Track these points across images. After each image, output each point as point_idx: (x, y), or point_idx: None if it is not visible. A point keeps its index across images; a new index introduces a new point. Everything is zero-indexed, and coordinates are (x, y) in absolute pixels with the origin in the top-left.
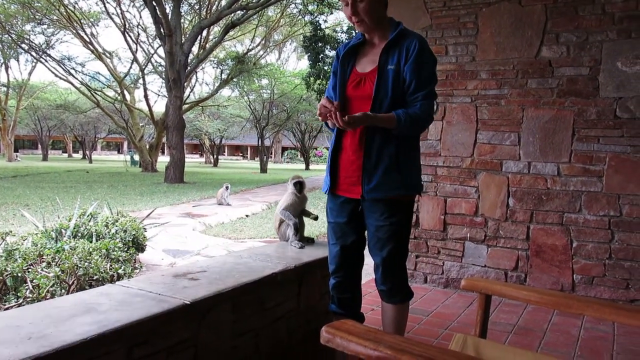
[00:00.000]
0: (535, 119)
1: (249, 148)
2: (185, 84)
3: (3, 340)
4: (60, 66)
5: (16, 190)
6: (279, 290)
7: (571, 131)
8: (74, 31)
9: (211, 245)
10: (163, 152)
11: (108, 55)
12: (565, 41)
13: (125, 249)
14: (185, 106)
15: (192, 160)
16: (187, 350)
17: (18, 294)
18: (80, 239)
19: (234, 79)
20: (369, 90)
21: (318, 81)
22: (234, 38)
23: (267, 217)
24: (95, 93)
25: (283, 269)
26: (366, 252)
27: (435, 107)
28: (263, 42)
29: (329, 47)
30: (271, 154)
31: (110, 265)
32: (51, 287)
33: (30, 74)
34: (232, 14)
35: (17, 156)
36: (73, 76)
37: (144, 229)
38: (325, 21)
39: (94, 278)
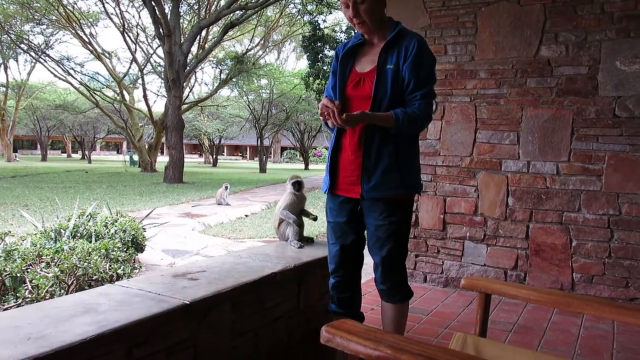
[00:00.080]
0: (535, 118)
1: (248, 148)
2: (185, 84)
3: (2, 340)
4: (60, 66)
5: (15, 190)
6: (278, 290)
7: (570, 130)
8: (73, 31)
9: (210, 245)
10: (162, 152)
11: (107, 55)
12: (564, 40)
13: (125, 249)
14: (185, 106)
15: (192, 160)
16: (187, 350)
17: (17, 294)
18: (79, 239)
19: (233, 79)
20: (368, 90)
21: (317, 81)
22: (233, 38)
23: (266, 217)
24: (95, 93)
25: (282, 269)
26: (366, 251)
27: (434, 106)
28: (262, 42)
29: (328, 47)
30: (270, 153)
31: (110, 266)
32: (50, 287)
33: (29, 74)
34: (231, 14)
35: (16, 156)
36: (72, 76)
37: (143, 229)
38: (324, 21)
39: (93, 278)
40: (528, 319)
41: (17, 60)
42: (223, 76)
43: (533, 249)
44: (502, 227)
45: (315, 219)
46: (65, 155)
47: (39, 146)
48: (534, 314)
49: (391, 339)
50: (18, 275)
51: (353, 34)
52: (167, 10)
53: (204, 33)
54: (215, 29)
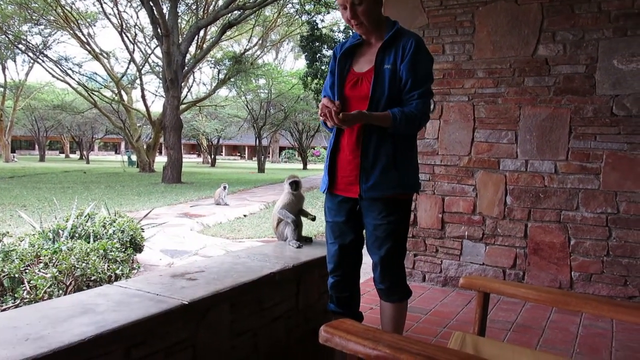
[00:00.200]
0: (532, 117)
1: (246, 148)
2: (183, 84)
3: (0, 341)
4: (58, 67)
5: (13, 190)
6: (277, 290)
7: (568, 129)
8: (71, 32)
9: (209, 245)
10: (160, 153)
11: (105, 55)
12: (562, 39)
13: (123, 250)
14: (183, 106)
15: (190, 161)
16: (186, 350)
17: (15, 295)
18: (77, 239)
19: (231, 79)
20: (366, 90)
21: (315, 81)
22: (231, 38)
23: (265, 216)
24: (93, 93)
25: (281, 269)
26: (364, 251)
27: (432, 105)
28: (260, 42)
29: (326, 46)
30: (269, 153)
31: (108, 266)
32: (48, 288)
33: (27, 74)
34: (229, 14)
35: (14, 157)
36: (70, 77)
37: (142, 229)
38: (322, 21)
39: (92, 279)
40: (527, 318)
41: (15, 61)
42: (221, 76)
43: (531, 247)
44: (501, 226)
45: (313, 219)
46: (63, 155)
47: (37, 146)
48: (533, 313)
49: (390, 339)
50: (16, 275)
51: (351, 34)
52: (165, 10)
53: (202, 33)
54: (213, 29)
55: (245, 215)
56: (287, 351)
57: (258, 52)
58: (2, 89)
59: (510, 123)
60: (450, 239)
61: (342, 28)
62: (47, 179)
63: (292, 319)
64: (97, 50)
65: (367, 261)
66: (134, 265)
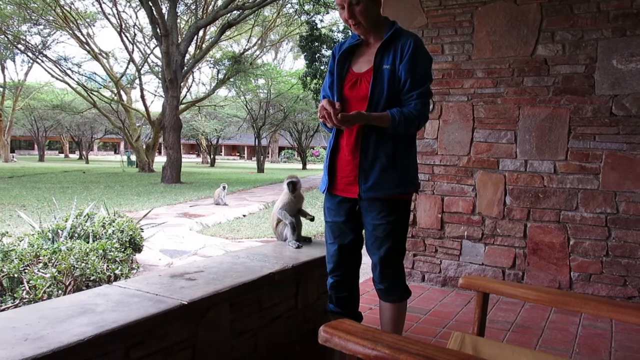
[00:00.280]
0: (532, 117)
1: (245, 148)
2: (182, 84)
3: None
4: (57, 67)
5: (12, 190)
6: (276, 290)
7: (567, 129)
8: (71, 32)
9: (208, 245)
10: (160, 152)
11: (104, 55)
12: (561, 39)
13: (122, 250)
14: (182, 106)
15: (189, 161)
16: (185, 350)
17: (14, 295)
18: (77, 239)
19: (231, 79)
20: (365, 90)
21: (315, 81)
22: (230, 38)
23: (264, 216)
24: (92, 93)
25: (281, 269)
26: (364, 251)
27: (431, 106)
28: (259, 42)
29: (325, 46)
30: (268, 153)
31: (107, 266)
32: (48, 288)
33: (26, 74)
34: (229, 14)
35: (13, 157)
36: (69, 76)
37: (141, 229)
38: (322, 21)
39: (91, 279)
40: (526, 318)
41: (14, 61)
42: (220, 76)
43: (531, 247)
44: (500, 226)
45: (312, 219)
46: (62, 155)
47: (36, 146)
48: (532, 313)
49: (389, 339)
50: (15, 275)
51: (350, 34)
52: (164, 10)
53: (201, 33)
54: (212, 29)
55: (244, 215)
56: (287, 351)
57: (257, 52)
58: (1, 89)
59: (509, 123)
60: (450, 239)
61: (341, 28)
62: (46, 178)
63: (292, 319)
64: (96, 50)
65: (366, 261)
66: (133, 265)
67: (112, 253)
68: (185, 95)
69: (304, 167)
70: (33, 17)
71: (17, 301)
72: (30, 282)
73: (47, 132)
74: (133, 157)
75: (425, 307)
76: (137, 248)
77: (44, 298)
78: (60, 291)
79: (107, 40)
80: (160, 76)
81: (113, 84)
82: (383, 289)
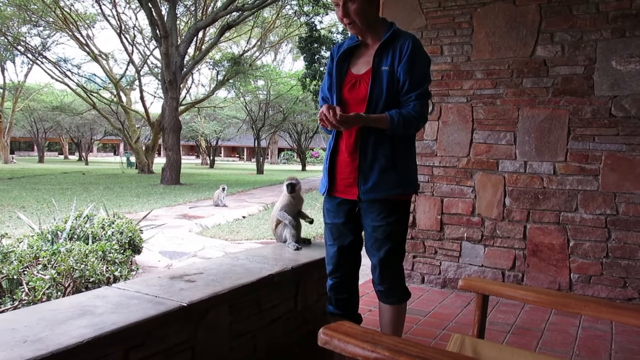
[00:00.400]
0: (531, 118)
1: (245, 149)
2: (182, 85)
3: None
4: (57, 68)
5: (12, 192)
6: (276, 292)
7: (567, 130)
8: (70, 33)
9: (208, 247)
10: (159, 154)
11: (104, 57)
12: (560, 40)
13: (122, 251)
14: (182, 107)
15: (189, 162)
16: (184, 352)
17: (14, 296)
18: (76, 241)
19: (230, 80)
20: (363, 92)
21: (314, 82)
22: (229, 39)
23: (263, 218)
24: (92, 95)
25: (280, 270)
26: (363, 252)
27: (430, 107)
28: (259, 43)
29: (324, 48)
30: (268, 155)
31: (107, 267)
32: (47, 289)
33: (26, 75)
34: (228, 16)
35: (13, 158)
36: (69, 78)
37: (141, 230)
38: (321, 22)
39: (90, 280)
40: (526, 320)
41: (14, 62)
42: (220, 77)
43: (530, 249)
44: (500, 228)
45: (311, 221)
46: (62, 156)
47: (36, 148)
48: (532, 315)
49: (389, 341)
50: (14, 277)
51: (349, 35)
52: (163, 12)
53: (200, 34)
54: (212, 31)
55: (244, 217)
56: (286, 353)
57: (257, 54)
58: (1, 90)
59: (508, 124)
60: (449, 240)
61: (340, 29)
62: (46, 180)
63: (291, 320)
64: (96, 51)
65: (366, 263)
66: (133, 267)
67: (111, 254)
68: (185, 96)
69: (304, 169)
70: (33, 19)
71: (16, 303)
72: (30, 283)
73: (47, 134)
74: (132, 159)
75: (425, 309)
76: (137, 249)
77: (43, 300)
78: (59, 293)
79: (106, 41)
80: (159, 77)
81: (113, 85)
82: (383, 290)
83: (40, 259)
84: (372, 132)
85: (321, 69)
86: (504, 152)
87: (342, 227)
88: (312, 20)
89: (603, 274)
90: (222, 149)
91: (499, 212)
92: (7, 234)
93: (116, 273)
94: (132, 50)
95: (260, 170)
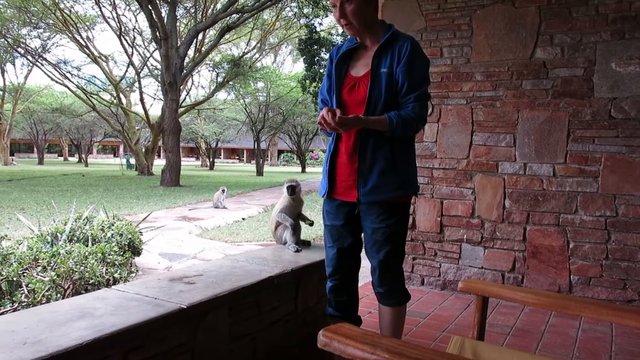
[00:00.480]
0: (531, 120)
1: (245, 151)
2: (181, 87)
3: None
4: (56, 70)
5: (12, 194)
6: (276, 294)
7: (566, 132)
8: (70, 35)
9: (207, 249)
10: (159, 156)
11: (104, 58)
12: (560, 42)
13: (121, 253)
14: (181, 109)
15: (188, 164)
16: (184, 354)
17: (13, 298)
18: (76, 242)
19: (230, 82)
20: (363, 94)
21: (314, 84)
22: (229, 41)
23: (263, 220)
24: (91, 96)
25: (280, 272)
26: (363, 254)
27: (430, 109)
28: (259, 45)
29: (324, 49)
30: (267, 157)
31: (106, 269)
32: (47, 291)
33: (26, 77)
34: (228, 17)
35: (12, 160)
36: (69, 80)
37: (140, 232)
38: (321, 24)
39: (90, 282)
40: (526, 322)
41: (14, 64)
42: (220, 79)
43: (530, 251)
44: (499, 230)
45: (311, 224)
46: (62, 158)
47: (35, 149)
48: (532, 317)
49: (389, 343)
50: (14, 279)
51: (349, 37)
52: (163, 14)
53: (200, 36)
54: (211, 32)
55: (243, 219)
56: (286, 355)
57: (257, 56)
58: (1, 92)
59: (508, 126)
60: (449, 242)
61: (340, 31)
62: (45, 182)
63: (291, 322)
64: (95, 53)
65: (365, 265)
66: (132, 269)
67: (111, 256)
68: (185, 98)
69: (303, 170)
70: (33, 21)
71: (15, 305)
72: (29, 285)
73: (47, 135)
74: (132, 160)
75: (425, 311)
76: (136, 251)
77: (43, 302)
78: (59, 295)
79: (106, 43)
80: (159, 79)
81: (112, 87)
82: (382, 292)
83: (39, 261)
84: (371, 134)
85: (321, 70)
86: (503, 154)
87: (341, 229)
88: (312, 22)
89: (603, 275)
90: (222, 151)
91: (499, 214)
92: (6, 235)
93: (116, 275)
94: (132, 52)
95: (260, 172)
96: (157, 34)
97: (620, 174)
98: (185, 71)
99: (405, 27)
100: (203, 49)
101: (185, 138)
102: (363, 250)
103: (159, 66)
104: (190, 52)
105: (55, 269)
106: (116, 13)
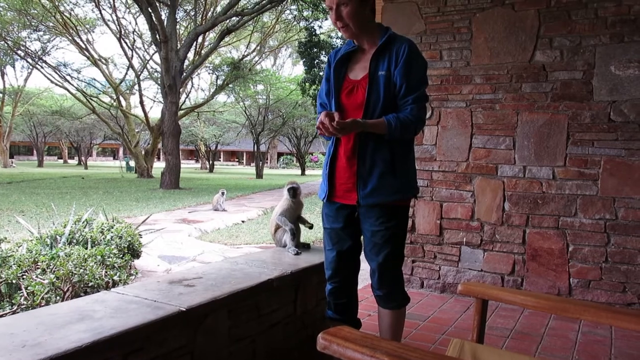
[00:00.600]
0: (530, 123)
1: (244, 154)
2: (181, 90)
3: None
4: (56, 72)
5: (11, 196)
6: (275, 296)
7: (566, 135)
8: (70, 38)
9: (207, 251)
10: (159, 158)
11: (104, 61)
12: (559, 45)
13: (121, 256)
14: (181, 112)
15: (188, 166)
16: (183, 357)
17: (12, 301)
18: (75, 245)
19: (230, 85)
20: (361, 98)
21: (313, 86)
22: (229, 44)
23: (263, 222)
24: (91, 99)
25: (279, 275)
26: (362, 257)
27: (429, 112)
28: (258, 48)
29: (324, 52)
30: (267, 159)
31: (106, 272)
32: (46, 294)
33: (26, 80)
34: (228, 20)
35: (12, 162)
36: (69, 82)
37: (140, 235)
38: (320, 27)
39: (89, 285)
40: (525, 325)
41: (14, 67)
42: (219, 82)
43: (530, 254)
44: (499, 232)
45: (311, 227)
46: (61, 161)
47: (35, 152)
48: (532, 320)
49: (388, 346)
50: (13, 281)
51: (347, 40)
52: (163, 17)
53: (200, 39)
54: (211, 35)
55: (243, 221)
56: (285, 357)
57: (256, 58)
58: (0, 95)
59: (508, 129)
60: (449, 245)
61: (339, 34)
62: (45, 184)
63: (290, 325)
64: (95, 56)
65: (365, 267)
66: (132, 272)
67: (110, 259)
68: (184, 101)
69: (303, 173)
70: (33, 24)
71: (15, 307)
72: (29, 288)
73: (46, 138)
74: (132, 163)
75: (424, 314)
76: (136, 254)
77: (42, 304)
78: (58, 297)
79: (106, 46)
80: (159, 82)
81: (112, 89)
82: (382, 295)
83: (39, 264)
84: (370, 137)
85: (320, 73)
86: (503, 156)
87: (341, 232)
88: (312, 25)
89: (602, 278)
90: (222, 154)
91: (498, 217)
92: (6, 238)
93: (115, 277)
94: (132, 55)
95: (259, 175)
96: (157, 36)
97: (620, 177)
98: (185, 74)
99: (404, 30)
100: (203, 51)
101: (185, 140)
102: (362, 253)
103: (158, 69)
104: (190, 55)
105: (54, 271)
106: (116, 16)
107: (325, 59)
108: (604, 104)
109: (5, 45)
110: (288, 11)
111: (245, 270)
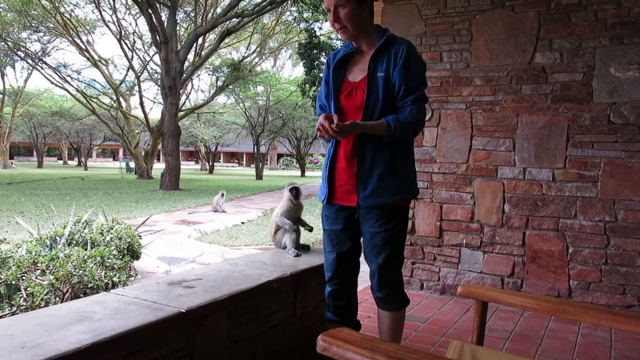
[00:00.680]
0: (530, 125)
1: (244, 155)
2: (181, 91)
3: None
4: (56, 73)
5: (11, 197)
6: (275, 298)
7: (565, 137)
8: (70, 39)
9: (207, 253)
10: (158, 159)
11: (104, 62)
12: (559, 47)
13: (120, 257)
14: (181, 113)
15: (188, 167)
16: (183, 358)
17: (12, 302)
18: (74, 246)
19: (230, 86)
20: (360, 99)
21: (313, 88)
22: (229, 45)
23: (262, 224)
24: (91, 100)
25: (279, 277)
26: (362, 259)
27: (429, 113)
28: (258, 49)
29: (324, 54)
30: (267, 160)
31: (105, 273)
32: (45, 295)
33: (26, 81)
34: (228, 22)
35: (12, 163)
36: (69, 83)
37: (139, 236)
38: (320, 28)
39: (89, 286)
40: (525, 327)
41: (14, 68)
42: (219, 83)
43: (530, 255)
44: (499, 234)
45: (310, 229)
46: (61, 162)
47: (35, 153)
48: (531, 322)
49: (388, 348)
50: (13, 283)
51: (346, 42)
52: (163, 18)
53: (200, 40)
54: (211, 37)
55: (243, 223)
56: (285, 359)
57: (256, 60)
58: (0, 96)
59: (507, 131)
60: (449, 246)
61: (339, 35)
62: (45, 185)
63: (290, 327)
64: (95, 57)
65: (364, 269)
66: (131, 273)
67: (110, 260)
68: (184, 102)
69: (303, 175)
70: (33, 24)
71: (14, 308)
72: (28, 289)
73: (46, 139)
74: (132, 164)
75: (424, 316)
76: (135, 255)
77: (42, 305)
78: (57, 298)
79: (106, 47)
80: (159, 83)
81: (112, 90)
82: (381, 297)
83: (38, 265)
84: (370, 138)
85: (320, 75)
86: (503, 158)
87: (340, 233)
88: (312, 26)
89: (602, 280)
90: (222, 155)
91: (498, 219)
92: (5, 239)
93: (115, 279)
94: (132, 56)
95: (259, 176)
96: (157, 37)
97: (620, 179)
98: (185, 75)
99: (404, 32)
100: (203, 53)
101: (185, 142)
102: (362, 254)
103: (158, 70)
104: (190, 56)
105: (54, 272)
106: (116, 17)
107: (325, 61)
108: (604, 106)
109: (6, 46)
110: (288, 12)
111: (245, 272)
